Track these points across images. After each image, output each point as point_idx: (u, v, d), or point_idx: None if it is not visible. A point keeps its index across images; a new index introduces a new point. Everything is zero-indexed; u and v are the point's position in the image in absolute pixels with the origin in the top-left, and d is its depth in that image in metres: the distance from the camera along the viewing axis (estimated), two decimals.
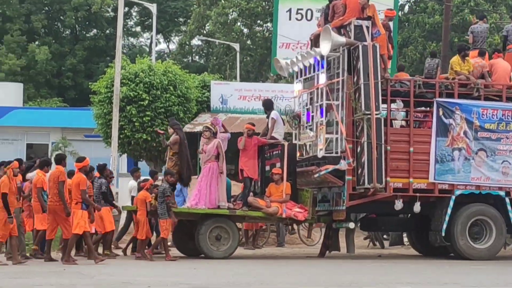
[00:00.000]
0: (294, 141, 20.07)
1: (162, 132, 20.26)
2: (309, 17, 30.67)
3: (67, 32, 56.96)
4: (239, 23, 45.04)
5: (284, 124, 19.86)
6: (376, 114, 17.74)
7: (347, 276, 14.92)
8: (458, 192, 18.47)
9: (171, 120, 20.30)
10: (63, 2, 52.25)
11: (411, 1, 42.34)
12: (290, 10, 30.97)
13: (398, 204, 18.21)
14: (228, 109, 29.52)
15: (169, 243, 18.94)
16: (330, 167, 18.01)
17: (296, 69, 20.11)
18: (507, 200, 18.74)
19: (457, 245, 18.41)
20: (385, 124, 18.21)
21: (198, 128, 26.66)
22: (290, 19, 31.05)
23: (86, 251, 17.46)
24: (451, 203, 18.33)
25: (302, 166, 19.53)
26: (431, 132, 18.77)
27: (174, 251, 19.05)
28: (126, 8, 43.71)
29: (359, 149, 18.12)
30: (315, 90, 19.08)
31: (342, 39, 18.10)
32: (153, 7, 38.52)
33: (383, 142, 17.94)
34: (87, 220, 16.32)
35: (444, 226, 18.23)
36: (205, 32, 48.76)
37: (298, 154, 19.86)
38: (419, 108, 19.47)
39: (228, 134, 19.43)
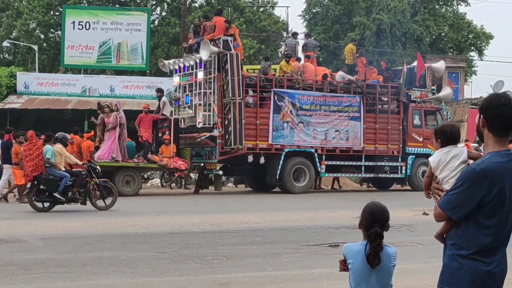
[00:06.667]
0: (174, 116, 24.37)
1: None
2: (87, 27, 36.35)
3: None
4: (37, 31, 50.76)
5: (170, 105, 24.37)
6: (238, 99, 22.60)
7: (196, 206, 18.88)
8: (286, 150, 23.70)
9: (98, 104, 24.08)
10: None
11: (159, 17, 49.86)
12: (74, 22, 36.36)
13: (250, 158, 23.29)
14: (29, 92, 33.83)
15: None
16: (208, 134, 22.87)
17: (176, 67, 24.76)
18: (316, 155, 24.16)
19: (286, 184, 23.75)
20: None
21: (8, 106, 31.95)
22: (74, 28, 36.42)
23: None
24: (282, 157, 23.57)
25: (182, 133, 24.21)
26: (270, 110, 23.65)
27: None
28: None
29: (226, 122, 22.78)
30: (194, 82, 23.78)
31: (216, 49, 22.72)
32: None
33: (242, 117, 22.83)
34: None
35: (278, 171, 23.50)
36: (12, 36, 53.74)
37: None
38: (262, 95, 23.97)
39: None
